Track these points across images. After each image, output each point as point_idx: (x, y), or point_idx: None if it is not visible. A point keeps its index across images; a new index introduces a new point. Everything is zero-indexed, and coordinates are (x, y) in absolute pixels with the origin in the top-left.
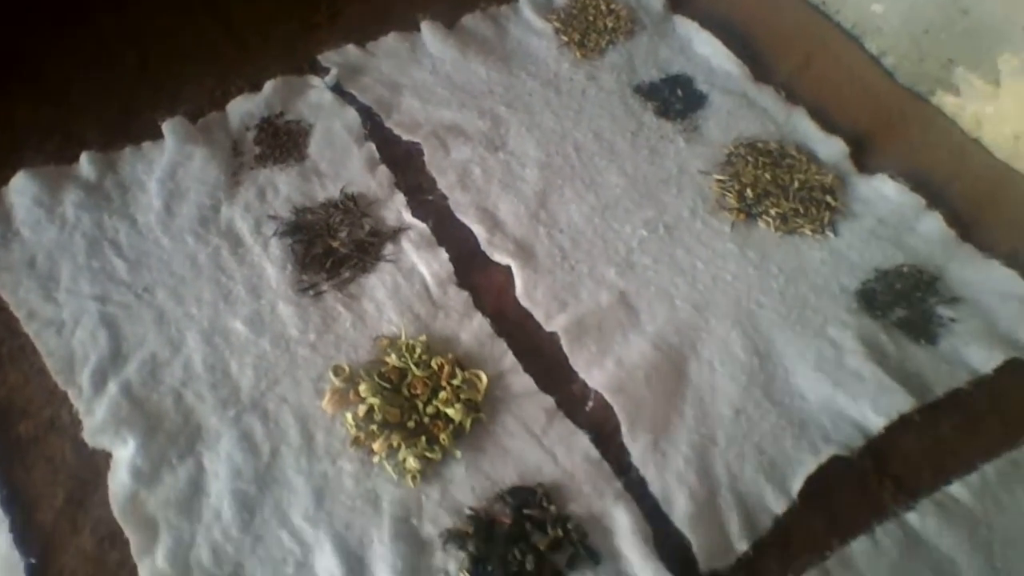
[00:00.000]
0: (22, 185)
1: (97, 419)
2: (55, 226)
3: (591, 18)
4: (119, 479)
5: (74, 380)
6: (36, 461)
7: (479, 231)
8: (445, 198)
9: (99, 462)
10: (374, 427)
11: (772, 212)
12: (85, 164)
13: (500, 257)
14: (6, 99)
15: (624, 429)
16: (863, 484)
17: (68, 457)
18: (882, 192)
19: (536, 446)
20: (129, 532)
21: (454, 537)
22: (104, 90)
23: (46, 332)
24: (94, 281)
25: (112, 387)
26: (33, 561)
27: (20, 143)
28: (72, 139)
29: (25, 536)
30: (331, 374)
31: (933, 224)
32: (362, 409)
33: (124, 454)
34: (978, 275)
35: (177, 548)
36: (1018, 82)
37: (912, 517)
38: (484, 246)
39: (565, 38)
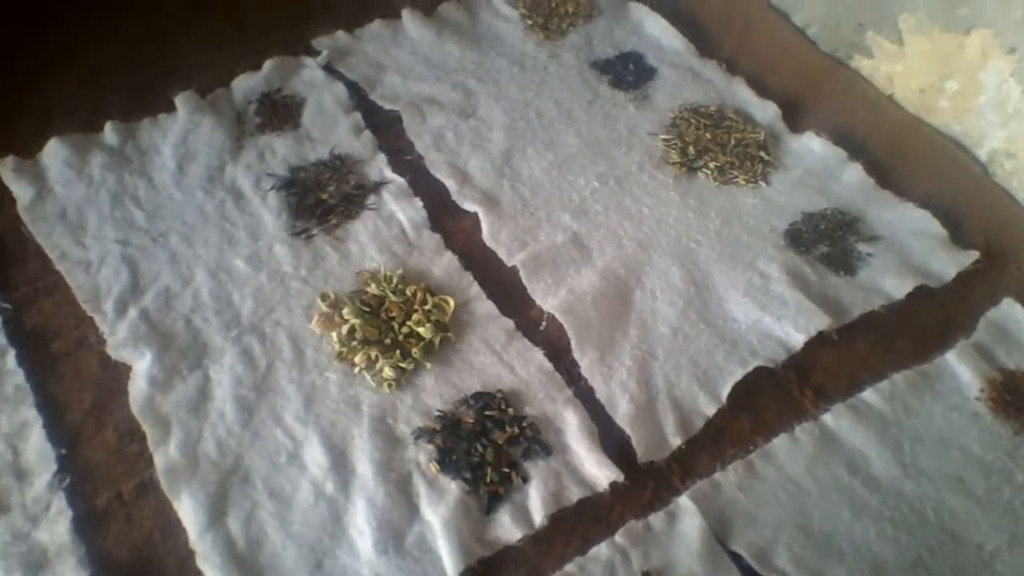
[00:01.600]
0: (54, 150)
1: (119, 337)
2: (83, 184)
3: (554, 5)
4: (138, 385)
5: (99, 308)
6: (67, 372)
7: (450, 184)
8: (421, 158)
9: (121, 374)
10: (356, 344)
11: (711, 166)
12: (109, 132)
13: (469, 205)
14: (44, 80)
15: (573, 344)
16: (786, 392)
17: (94, 369)
18: (809, 147)
19: (497, 360)
20: (146, 428)
21: (424, 433)
22: (125, 72)
23: (75, 269)
24: (117, 228)
25: (132, 312)
26: (64, 452)
27: (54, 116)
28: (99, 113)
29: (57, 433)
30: (319, 300)
31: (854, 173)
32: (345, 329)
33: (142, 365)
34: (895, 216)
35: (187, 441)
36: (917, 39)
37: (828, 418)
38: (455, 196)
39: (530, 22)
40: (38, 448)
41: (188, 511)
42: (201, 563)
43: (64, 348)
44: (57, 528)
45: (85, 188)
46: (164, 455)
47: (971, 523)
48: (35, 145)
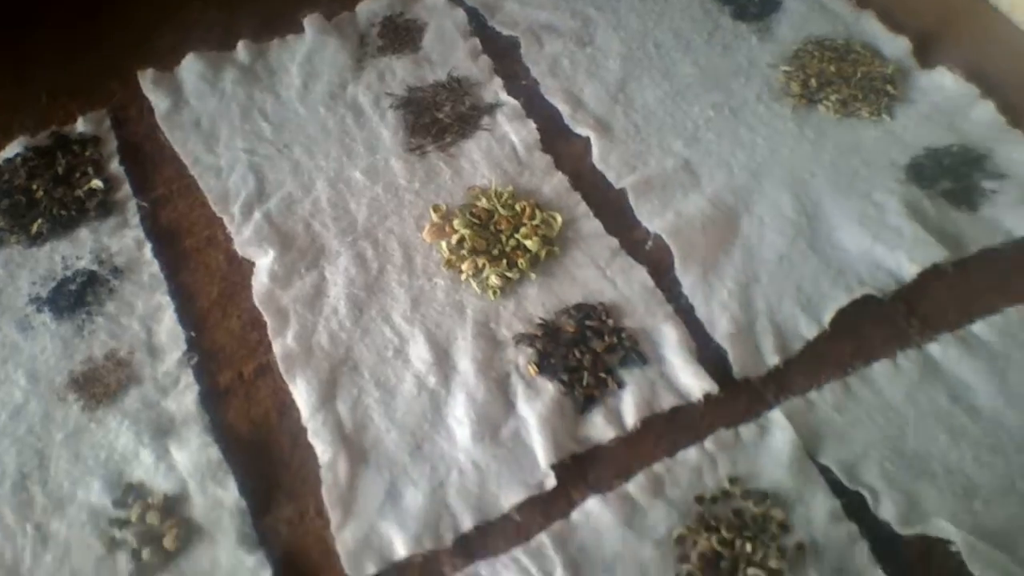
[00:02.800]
0: (191, 64)
1: (245, 236)
2: (216, 97)
3: None
4: (260, 280)
5: (228, 210)
6: (197, 266)
7: (564, 109)
8: (536, 83)
9: (245, 270)
10: (464, 252)
11: (832, 98)
12: (241, 51)
13: (581, 130)
14: (184, 4)
15: (677, 263)
16: (892, 321)
17: (221, 264)
18: (940, 83)
19: (600, 275)
20: (267, 317)
21: (525, 338)
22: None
23: (207, 175)
24: (245, 139)
25: (257, 215)
26: (193, 334)
27: (192, 35)
28: (232, 33)
29: (188, 317)
30: (431, 211)
31: (985, 111)
32: (455, 238)
33: (265, 261)
34: None
35: (303, 332)
36: None
37: (934, 347)
38: (567, 120)
39: None
40: (170, 329)
41: (302, 393)
42: (312, 439)
43: (195, 244)
44: (184, 400)
45: (217, 101)
46: (282, 343)
47: None
48: (172, 61)
